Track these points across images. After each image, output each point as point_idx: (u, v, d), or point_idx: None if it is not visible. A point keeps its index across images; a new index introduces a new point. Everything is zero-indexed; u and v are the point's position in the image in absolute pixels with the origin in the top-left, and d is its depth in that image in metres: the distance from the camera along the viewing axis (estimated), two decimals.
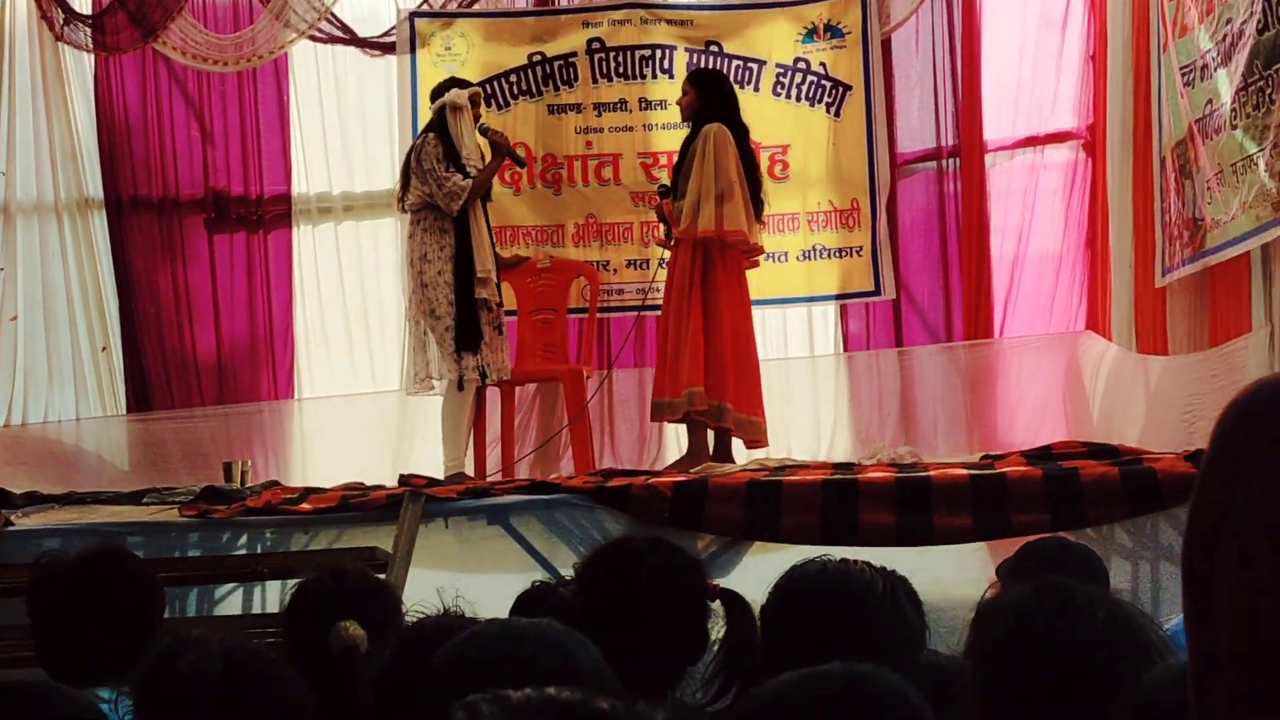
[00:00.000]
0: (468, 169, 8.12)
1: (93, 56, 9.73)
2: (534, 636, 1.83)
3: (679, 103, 8.35)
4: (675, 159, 8.43)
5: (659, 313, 8.53)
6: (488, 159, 8.33)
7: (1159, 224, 7.87)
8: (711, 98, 8.19)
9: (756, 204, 8.17)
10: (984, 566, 6.40)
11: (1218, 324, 7.43)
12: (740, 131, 8.15)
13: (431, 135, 8.19)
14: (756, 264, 8.46)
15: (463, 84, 8.49)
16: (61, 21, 9.62)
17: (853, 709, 1.75)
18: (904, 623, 2.63)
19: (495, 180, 9.51)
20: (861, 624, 2.59)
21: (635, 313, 9.44)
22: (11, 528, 6.27)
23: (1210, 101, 7.11)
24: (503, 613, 3.44)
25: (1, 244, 9.46)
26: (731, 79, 9.44)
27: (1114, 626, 2.22)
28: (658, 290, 8.77)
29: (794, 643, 2.56)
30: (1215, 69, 7.02)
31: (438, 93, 8.38)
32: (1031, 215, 9.49)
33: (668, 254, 8.45)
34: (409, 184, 8.17)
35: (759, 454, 8.35)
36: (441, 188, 8.01)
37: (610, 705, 1.27)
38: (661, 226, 8.41)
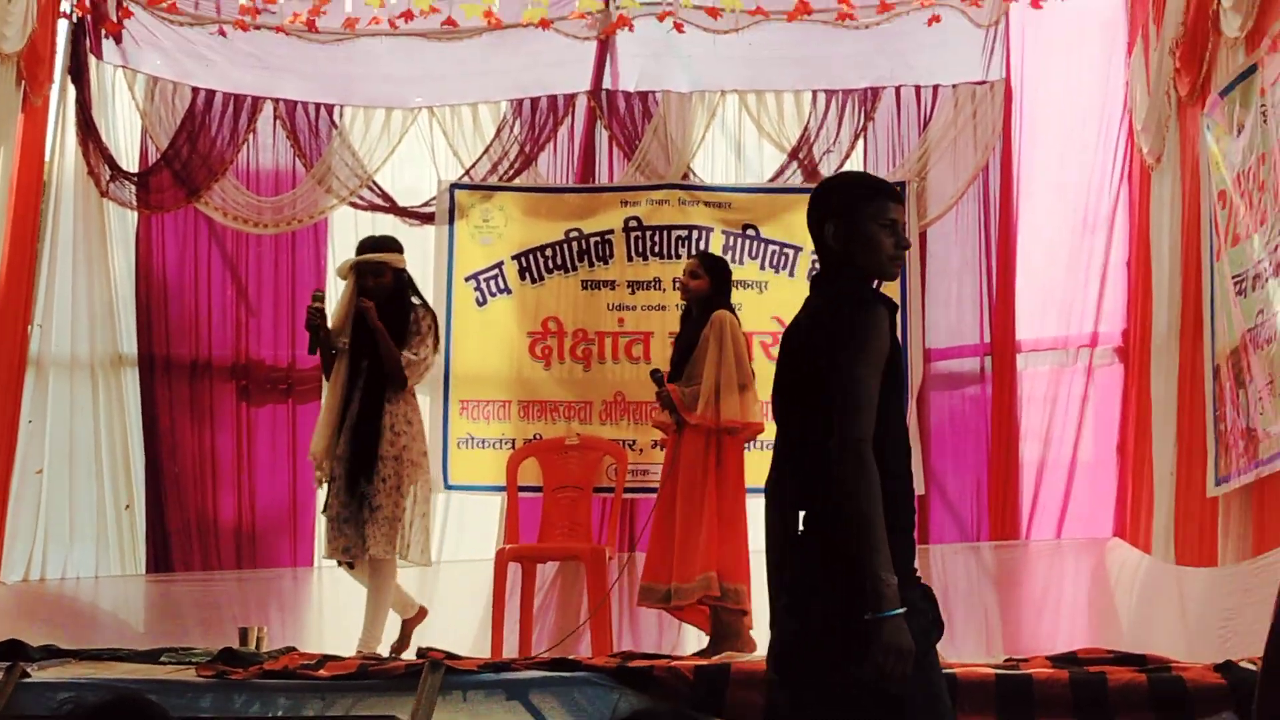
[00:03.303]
0: (337, 343, 8.03)
1: (135, 214, 9.84)
2: None
3: (684, 283, 8.19)
4: (677, 339, 8.33)
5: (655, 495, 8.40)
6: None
7: (1211, 433, 7.73)
8: (723, 284, 8.17)
9: None
10: None
11: (1262, 536, 7.27)
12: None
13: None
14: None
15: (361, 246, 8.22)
16: (108, 178, 9.75)
17: None
18: None
19: (525, 353, 9.58)
20: None
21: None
22: (28, 679, 6.19)
23: (1261, 311, 7.06)
24: None
25: (31, 396, 9.46)
26: (767, 264, 9.55)
27: None
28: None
29: None
30: (1268, 279, 6.99)
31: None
32: (1063, 418, 9.44)
33: (662, 436, 8.38)
34: None
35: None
36: None
37: None
38: (666, 411, 8.12)
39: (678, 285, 8.44)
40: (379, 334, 7.84)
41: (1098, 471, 9.38)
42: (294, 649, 7.53)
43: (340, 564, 7.94)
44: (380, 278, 7.94)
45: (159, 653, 7.15)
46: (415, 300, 8.07)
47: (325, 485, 7.88)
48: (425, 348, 7.93)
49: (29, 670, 6.28)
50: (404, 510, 7.81)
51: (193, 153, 9.90)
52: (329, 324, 7.99)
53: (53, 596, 9.31)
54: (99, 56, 9.89)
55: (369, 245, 8.10)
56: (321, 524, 8.13)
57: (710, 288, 8.13)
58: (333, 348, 7.98)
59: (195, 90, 10.00)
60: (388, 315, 7.90)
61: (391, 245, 8.15)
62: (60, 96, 9.74)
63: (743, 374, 7.97)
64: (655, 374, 8.20)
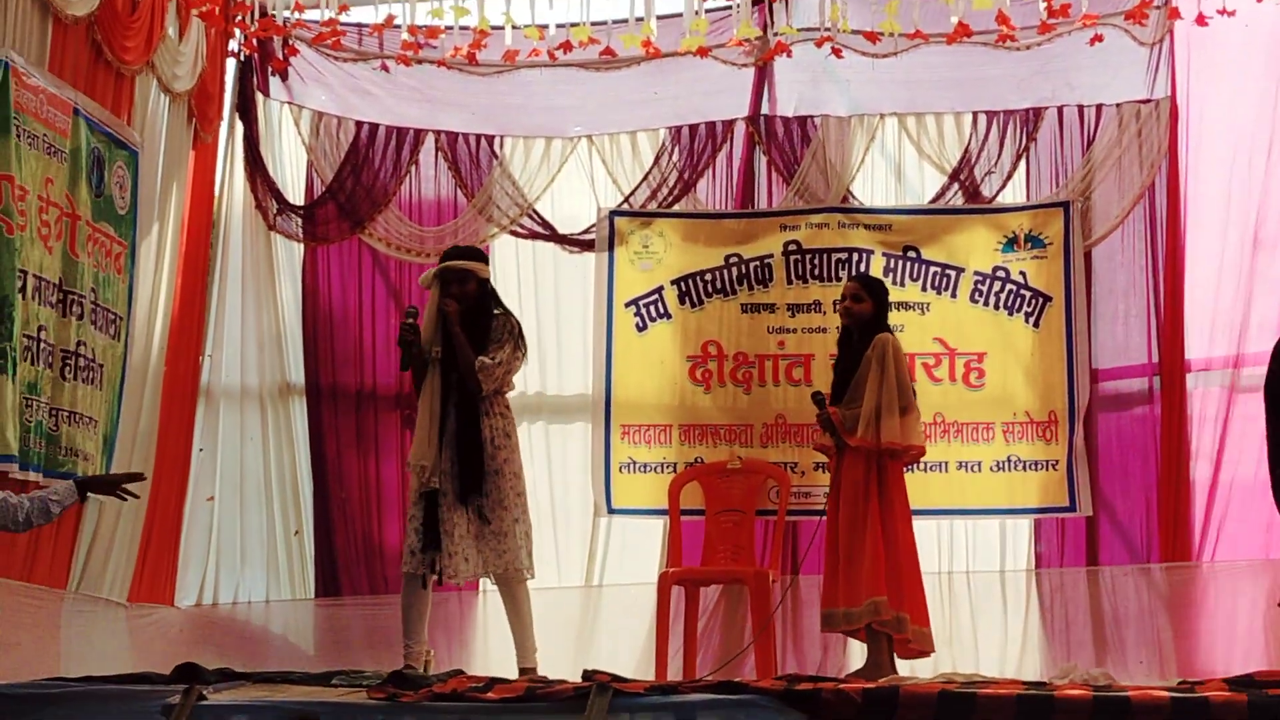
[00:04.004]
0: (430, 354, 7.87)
1: (302, 245, 10.01)
2: None
3: (848, 307, 8.17)
4: (837, 363, 8.34)
5: (823, 518, 8.39)
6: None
7: None
8: (884, 307, 8.24)
9: None
10: None
11: None
12: None
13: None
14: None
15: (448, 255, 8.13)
16: (275, 211, 9.95)
17: None
18: None
19: (686, 378, 9.58)
20: None
21: (820, 517, 9.35)
22: (204, 702, 6.30)
23: None
24: None
25: (202, 425, 9.67)
26: (929, 285, 9.50)
27: None
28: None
29: None
30: None
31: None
32: (1236, 439, 9.25)
33: (826, 459, 8.40)
34: None
35: (945, 668, 8.22)
36: None
37: None
38: (827, 433, 8.14)
39: (838, 308, 8.40)
40: (455, 338, 7.80)
41: (1271, 492, 9.16)
42: (461, 672, 7.59)
43: (429, 580, 7.76)
44: (464, 285, 7.89)
45: (330, 675, 7.23)
46: (497, 310, 8.03)
47: (422, 495, 7.74)
48: (502, 353, 7.82)
49: (205, 693, 6.39)
50: (509, 524, 7.79)
51: (357, 185, 10.05)
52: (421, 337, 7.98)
53: (224, 620, 9.48)
54: (266, 94, 10.09)
55: (452, 254, 8.08)
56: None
57: (872, 311, 8.13)
58: (426, 359, 7.90)
59: (359, 124, 10.17)
60: (471, 325, 7.86)
61: (474, 254, 8.15)
62: (229, 133, 9.98)
63: (904, 396, 7.95)
64: (817, 396, 8.20)
